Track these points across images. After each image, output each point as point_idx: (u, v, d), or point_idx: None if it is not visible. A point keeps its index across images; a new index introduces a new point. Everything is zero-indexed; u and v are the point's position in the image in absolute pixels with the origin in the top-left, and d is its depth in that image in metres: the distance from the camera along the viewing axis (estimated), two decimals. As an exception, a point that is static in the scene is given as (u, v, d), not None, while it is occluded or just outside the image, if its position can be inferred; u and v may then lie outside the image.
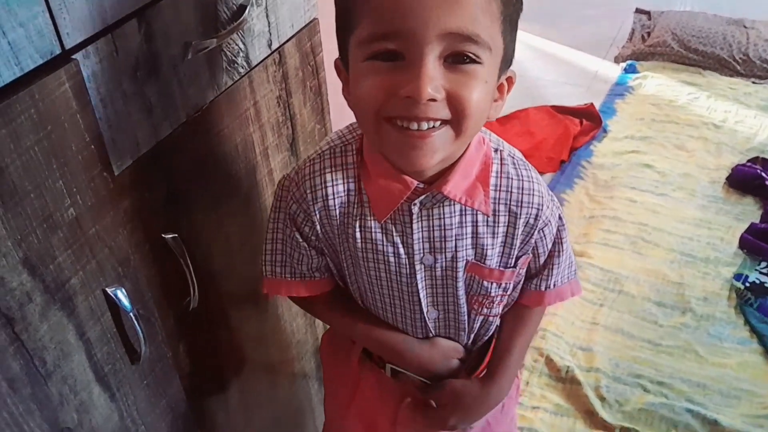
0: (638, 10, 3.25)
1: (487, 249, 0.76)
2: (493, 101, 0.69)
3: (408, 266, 0.77)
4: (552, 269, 0.82)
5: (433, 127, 0.63)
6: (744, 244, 1.94)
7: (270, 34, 0.84)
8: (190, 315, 0.82)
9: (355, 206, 0.75)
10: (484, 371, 0.88)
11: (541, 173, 2.24)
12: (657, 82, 2.72)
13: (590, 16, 3.27)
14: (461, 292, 0.79)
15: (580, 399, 1.54)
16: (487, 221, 0.75)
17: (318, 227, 0.77)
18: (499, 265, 0.79)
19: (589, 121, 2.49)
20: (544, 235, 0.79)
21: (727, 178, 2.19)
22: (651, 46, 2.90)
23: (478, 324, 0.84)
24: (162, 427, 0.81)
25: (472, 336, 0.86)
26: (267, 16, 0.83)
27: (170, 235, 0.75)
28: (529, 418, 1.50)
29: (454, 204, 0.73)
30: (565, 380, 1.58)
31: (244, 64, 0.82)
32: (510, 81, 0.71)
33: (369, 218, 0.75)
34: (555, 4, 3.39)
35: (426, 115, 0.62)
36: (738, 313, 1.74)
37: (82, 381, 0.67)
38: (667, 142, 2.39)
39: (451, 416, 0.85)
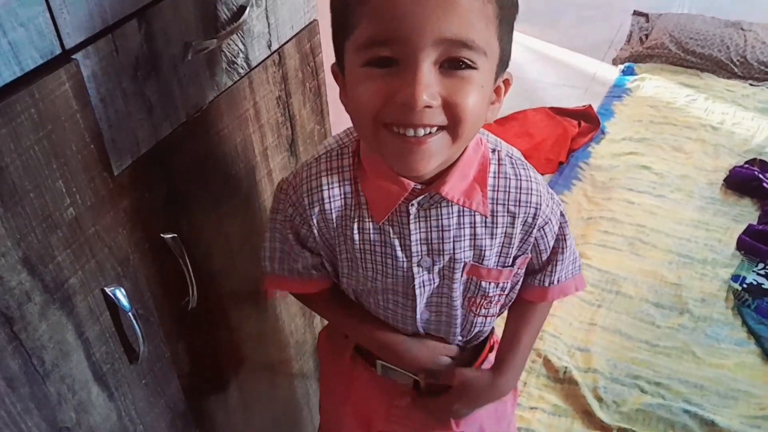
0: (636, 13, 3.26)
1: (485, 250, 0.76)
2: (490, 104, 0.69)
3: (405, 269, 0.77)
4: (555, 265, 0.82)
5: (430, 133, 0.63)
6: (741, 245, 1.94)
7: (270, 35, 0.85)
8: (189, 315, 0.82)
9: (353, 209, 0.75)
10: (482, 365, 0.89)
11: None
12: (655, 84, 2.72)
13: (588, 18, 3.28)
14: (457, 293, 0.80)
15: (577, 399, 1.54)
16: (486, 222, 0.75)
17: (315, 230, 0.77)
18: (497, 265, 0.79)
19: (587, 122, 2.49)
20: (545, 233, 0.79)
21: (725, 180, 2.20)
22: (649, 48, 2.91)
23: (475, 325, 0.84)
24: (161, 427, 0.81)
25: (468, 336, 0.86)
26: (267, 17, 0.83)
27: (169, 235, 0.75)
28: (527, 419, 1.50)
29: (451, 205, 0.73)
30: (562, 381, 1.58)
31: (244, 64, 0.82)
32: (507, 83, 0.71)
33: (367, 220, 0.75)
34: (553, 6, 3.40)
35: (422, 122, 0.62)
36: (735, 314, 1.75)
37: (81, 380, 0.67)
38: (665, 143, 2.40)
39: (456, 403, 0.86)
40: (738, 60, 2.78)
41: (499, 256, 0.78)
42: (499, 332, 0.91)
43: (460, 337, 0.86)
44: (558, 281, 0.83)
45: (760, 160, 2.25)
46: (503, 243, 0.77)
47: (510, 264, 0.80)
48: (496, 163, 0.75)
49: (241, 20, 0.76)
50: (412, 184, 0.71)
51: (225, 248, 0.89)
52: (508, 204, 0.75)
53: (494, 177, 0.75)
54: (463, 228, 0.75)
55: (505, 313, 0.89)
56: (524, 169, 0.76)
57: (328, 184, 0.75)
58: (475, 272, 0.78)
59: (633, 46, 3.00)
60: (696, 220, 2.06)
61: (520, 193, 0.75)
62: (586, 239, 1.98)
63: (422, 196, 0.72)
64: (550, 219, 0.78)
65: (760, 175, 2.14)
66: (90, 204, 0.64)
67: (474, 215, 0.75)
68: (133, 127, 0.67)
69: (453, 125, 0.63)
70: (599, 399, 1.54)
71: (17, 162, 0.55)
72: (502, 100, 0.71)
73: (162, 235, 0.75)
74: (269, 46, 0.86)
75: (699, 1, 3.33)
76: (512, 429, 1.03)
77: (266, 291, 0.86)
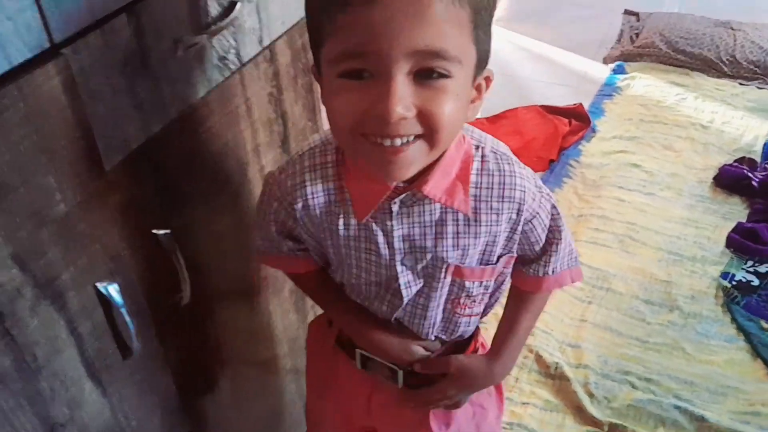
0: (627, 12, 3.27)
1: (468, 248, 0.77)
2: (470, 103, 0.69)
3: (389, 267, 0.77)
4: (550, 256, 0.82)
5: (407, 142, 0.63)
6: (731, 243, 1.95)
7: (261, 31, 0.85)
8: (182, 311, 0.82)
9: (338, 204, 0.76)
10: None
11: (531, 172, 2.26)
12: (645, 83, 2.74)
13: (579, 17, 3.29)
14: (437, 294, 0.80)
15: (569, 395, 1.54)
16: (469, 220, 0.75)
17: (301, 224, 0.79)
18: (480, 263, 0.79)
19: (577, 121, 2.50)
20: (534, 226, 0.79)
21: (715, 178, 2.21)
22: (639, 47, 2.92)
23: (459, 325, 0.85)
24: (153, 423, 0.81)
25: (451, 336, 0.87)
26: (258, 12, 0.83)
27: (162, 231, 0.75)
28: (518, 414, 1.51)
29: (434, 203, 0.74)
30: (554, 376, 1.59)
31: (236, 60, 0.82)
32: (488, 80, 0.71)
33: (351, 216, 0.76)
34: (545, 5, 3.40)
35: (398, 133, 0.62)
36: (725, 311, 1.76)
37: (74, 376, 0.67)
38: (655, 142, 2.41)
39: (451, 388, 0.86)
40: (727, 59, 2.80)
41: (483, 253, 0.78)
42: (488, 336, 0.92)
43: (432, 337, 0.86)
44: (553, 272, 0.83)
45: (749, 159, 2.26)
46: (487, 241, 0.77)
47: (494, 262, 0.80)
48: (480, 159, 0.75)
49: (232, 15, 0.76)
50: (395, 182, 0.72)
51: (217, 244, 0.89)
52: (491, 201, 0.74)
53: (477, 174, 0.74)
54: (446, 225, 0.75)
55: (500, 309, 0.90)
56: (508, 164, 0.75)
57: (311, 180, 0.76)
58: (458, 273, 0.79)
59: (624, 45, 3.01)
60: (685, 217, 2.07)
61: (504, 188, 0.74)
62: (576, 237, 1.99)
63: (404, 194, 0.73)
64: (537, 213, 0.78)
65: (749, 174, 2.16)
66: (80, 200, 0.64)
67: (457, 213, 0.75)
68: (123, 123, 0.67)
69: (429, 134, 0.63)
70: (590, 395, 1.54)
71: (5, 157, 0.55)
72: (483, 98, 0.71)
73: (154, 231, 0.75)
74: (260, 42, 0.85)
75: (689, 0, 3.35)
76: None
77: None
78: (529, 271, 0.84)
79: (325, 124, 1.06)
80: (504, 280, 0.85)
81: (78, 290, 0.66)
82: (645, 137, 2.43)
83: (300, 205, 0.76)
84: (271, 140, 0.94)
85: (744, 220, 2.03)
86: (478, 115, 2.57)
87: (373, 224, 0.75)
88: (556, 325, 1.72)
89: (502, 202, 0.75)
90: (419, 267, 0.78)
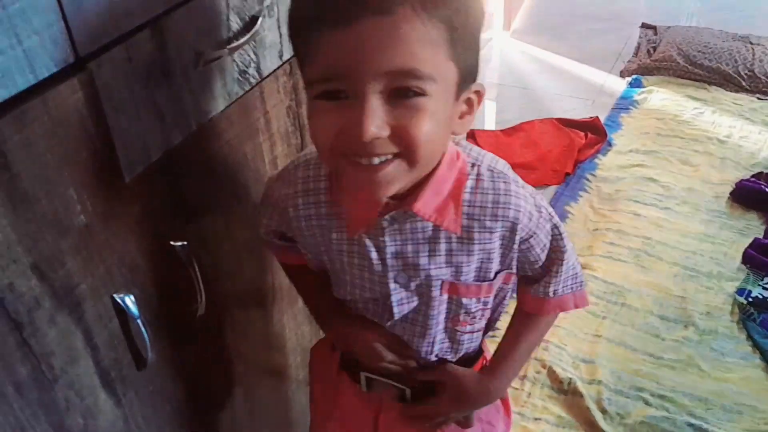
0: (644, 25, 3.27)
1: (462, 265, 0.76)
2: (458, 118, 0.69)
3: (381, 284, 0.77)
4: (552, 277, 0.81)
5: (385, 161, 0.63)
6: (747, 259, 1.93)
7: (281, 45, 0.85)
8: (197, 322, 0.83)
9: (331, 218, 0.77)
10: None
11: (546, 186, 2.25)
12: (662, 97, 2.72)
13: (596, 30, 3.29)
14: (434, 312, 0.79)
15: (581, 411, 1.53)
16: (462, 238, 0.74)
17: (296, 230, 0.80)
18: (476, 280, 0.78)
19: (594, 134, 2.49)
20: (532, 246, 0.77)
21: (731, 193, 2.19)
22: (656, 61, 2.91)
23: (462, 342, 0.85)
24: (166, 434, 0.82)
25: (456, 356, 0.86)
26: (279, 27, 0.84)
27: (179, 243, 0.76)
28: (530, 430, 1.50)
29: (425, 221, 0.73)
30: (567, 392, 1.58)
31: (256, 74, 0.82)
32: (478, 94, 0.70)
33: (344, 230, 0.76)
34: (562, 18, 3.40)
35: (373, 152, 0.62)
36: (741, 328, 1.74)
37: (89, 386, 0.68)
38: (672, 156, 2.40)
39: (447, 402, 0.86)
40: (746, 73, 2.78)
41: (479, 270, 0.78)
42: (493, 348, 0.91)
43: (434, 357, 0.85)
44: (555, 293, 0.82)
45: (767, 174, 2.24)
46: (482, 258, 0.76)
47: (491, 279, 0.79)
48: (475, 178, 0.74)
49: (253, 30, 0.77)
50: (386, 199, 0.71)
51: (233, 256, 0.90)
52: (484, 219, 0.73)
53: (471, 192, 0.73)
54: (439, 243, 0.74)
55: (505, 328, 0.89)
56: (504, 182, 0.74)
57: (303, 192, 0.77)
58: (454, 290, 0.78)
59: (641, 58, 3.00)
60: (702, 233, 2.05)
61: (497, 207, 0.73)
62: (592, 251, 1.98)
63: (395, 212, 0.73)
64: (535, 233, 0.76)
65: (767, 189, 2.14)
66: (100, 211, 0.64)
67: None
68: (144, 135, 0.67)
69: (407, 152, 0.63)
70: (603, 411, 1.53)
71: (30, 169, 0.56)
72: (474, 112, 0.71)
73: (172, 243, 0.75)
74: (281, 57, 0.86)
75: (707, 14, 3.34)
76: None
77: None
78: (531, 291, 0.83)
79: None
80: (505, 296, 0.85)
81: (95, 301, 0.66)
82: (662, 151, 2.42)
83: (292, 214, 0.78)
84: (288, 153, 0.95)
85: (761, 236, 2.01)
86: (493, 127, 2.57)
87: (366, 239, 0.75)
88: (570, 340, 1.71)
89: (496, 221, 0.74)
90: (413, 285, 0.77)
